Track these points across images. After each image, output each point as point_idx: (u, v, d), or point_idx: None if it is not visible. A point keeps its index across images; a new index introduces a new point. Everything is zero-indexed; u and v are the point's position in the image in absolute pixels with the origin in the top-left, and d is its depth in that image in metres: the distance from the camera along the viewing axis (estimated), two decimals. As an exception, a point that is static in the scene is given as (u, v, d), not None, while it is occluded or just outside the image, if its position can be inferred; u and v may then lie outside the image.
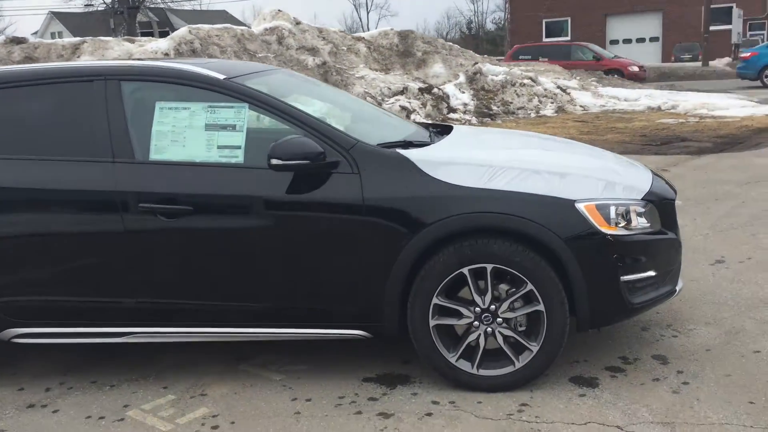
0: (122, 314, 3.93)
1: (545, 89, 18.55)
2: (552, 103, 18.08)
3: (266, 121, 4.15)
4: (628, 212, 3.68)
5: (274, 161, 3.62)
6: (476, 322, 3.68)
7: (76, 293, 3.94)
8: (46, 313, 3.98)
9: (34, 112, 4.05)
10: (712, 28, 35.87)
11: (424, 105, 15.77)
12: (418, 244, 3.62)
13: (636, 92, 20.30)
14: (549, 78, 19.94)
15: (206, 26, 16.28)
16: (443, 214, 3.60)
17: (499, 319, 3.67)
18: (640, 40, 46.22)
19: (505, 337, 3.69)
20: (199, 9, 68.05)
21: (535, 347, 3.66)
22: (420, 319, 3.70)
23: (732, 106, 16.98)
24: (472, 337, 3.70)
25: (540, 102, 18.07)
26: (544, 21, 49.73)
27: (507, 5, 53.90)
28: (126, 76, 4.00)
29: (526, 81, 18.70)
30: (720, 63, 36.86)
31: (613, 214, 3.64)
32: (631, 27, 45.76)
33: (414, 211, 3.63)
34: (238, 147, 3.81)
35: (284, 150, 3.61)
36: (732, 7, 39.24)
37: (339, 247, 3.72)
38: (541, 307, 3.61)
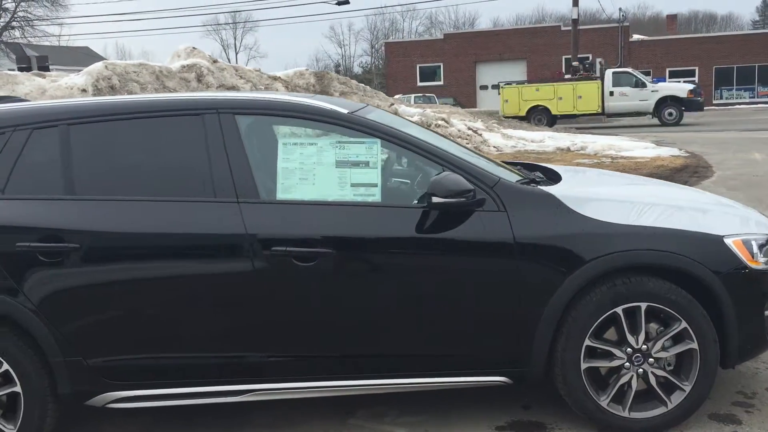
0: (243, 370, 3.54)
1: (459, 130, 18.96)
2: (468, 143, 18.46)
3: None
4: (763, 246, 3.73)
5: (436, 199, 3.41)
6: (627, 363, 3.59)
7: (190, 349, 3.53)
8: (152, 374, 3.54)
9: (134, 148, 3.64)
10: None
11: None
12: (573, 284, 3.50)
13: (539, 134, 21.13)
14: (458, 119, 20.39)
15: (121, 62, 15.52)
16: (601, 251, 3.50)
17: (651, 359, 3.59)
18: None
19: (657, 378, 3.61)
20: (58, 45, 65.04)
21: (687, 387, 3.60)
22: (571, 363, 3.56)
23: (635, 147, 17.97)
24: (624, 379, 3.60)
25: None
26: (418, 66, 51.45)
27: (384, 51, 55.30)
28: (241, 110, 3.67)
29: (440, 122, 19.05)
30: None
31: (755, 249, 3.67)
32: (499, 73, 47.93)
33: (569, 250, 3.51)
34: (374, 185, 3.56)
35: (442, 187, 3.41)
36: (590, 57, 41.92)
37: (489, 289, 3.54)
38: (694, 345, 3.57)
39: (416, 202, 3.61)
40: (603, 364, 3.62)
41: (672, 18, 59.92)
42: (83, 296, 3.47)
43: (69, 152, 3.55)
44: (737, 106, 43.89)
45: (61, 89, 13.79)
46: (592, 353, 3.59)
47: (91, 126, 3.63)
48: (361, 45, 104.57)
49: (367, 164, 3.59)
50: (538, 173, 4.34)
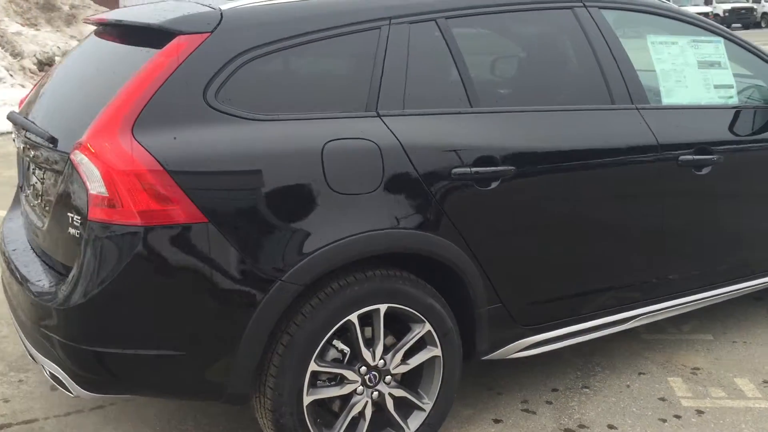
0: (635, 294, 3.19)
1: None
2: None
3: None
4: None
5: None
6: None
7: (598, 279, 3.07)
8: (557, 312, 3.01)
9: (514, 46, 2.98)
10: None
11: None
12: None
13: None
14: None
15: None
16: None
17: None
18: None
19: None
20: None
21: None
22: None
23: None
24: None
25: None
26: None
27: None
28: (607, 4, 3.17)
29: None
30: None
31: None
32: None
33: None
34: (731, 86, 3.40)
35: None
36: None
37: None
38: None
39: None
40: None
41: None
42: (513, 228, 2.79)
43: (458, 53, 2.76)
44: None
45: None
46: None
47: (472, 20, 2.86)
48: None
49: (719, 64, 3.40)
50: None
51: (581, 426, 2.99)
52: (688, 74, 3.28)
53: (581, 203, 2.93)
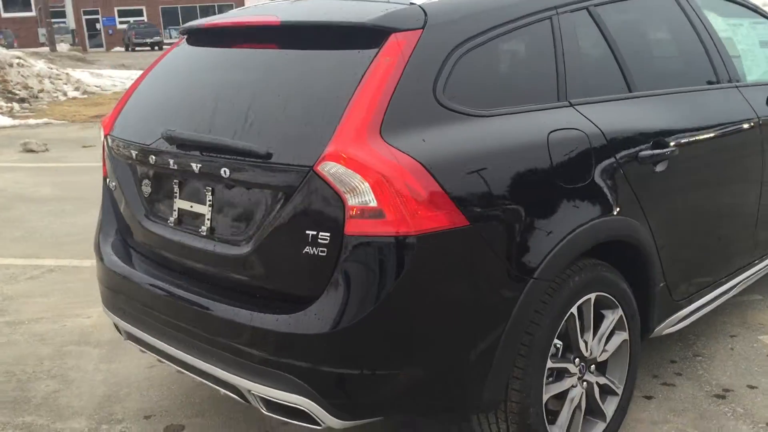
0: (748, 258, 3.47)
1: (48, 68, 16.50)
2: (66, 84, 16.25)
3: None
4: None
5: None
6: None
7: (729, 245, 3.32)
8: (702, 282, 3.19)
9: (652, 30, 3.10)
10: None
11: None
12: None
13: (118, 72, 19.64)
14: (34, 59, 17.64)
15: None
16: None
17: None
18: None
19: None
20: None
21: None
22: None
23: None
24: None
25: (52, 83, 16.04)
26: None
27: None
28: None
29: (20, 61, 16.25)
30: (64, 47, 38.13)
31: None
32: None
33: None
34: (784, 63, 3.71)
35: None
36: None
37: None
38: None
39: None
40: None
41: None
42: (679, 207, 2.91)
43: (611, 39, 2.82)
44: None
45: None
46: None
47: (611, 7, 2.91)
48: None
49: (773, 44, 3.69)
50: None
51: (726, 390, 3.14)
52: (756, 53, 3.53)
53: (723, 177, 3.14)
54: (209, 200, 2.43)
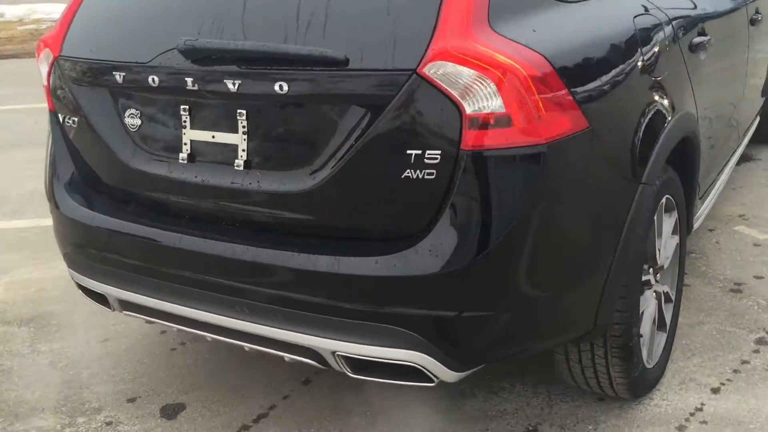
0: None
1: None
2: None
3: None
4: None
5: None
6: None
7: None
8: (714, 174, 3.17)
9: None
10: None
11: None
12: None
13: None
14: None
15: None
16: None
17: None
18: None
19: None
20: None
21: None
22: None
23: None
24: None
25: None
26: None
27: None
28: None
29: None
30: None
31: None
32: None
33: None
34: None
35: None
36: None
37: None
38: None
39: None
40: None
41: None
42: (712, 96, 2.81)
43: None
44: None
45: None
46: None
47: None
48: None
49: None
50: None
51: (737, 284, 3.13)
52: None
53: (732, 62, 3.13)
54: (243, 126, 1.91)
